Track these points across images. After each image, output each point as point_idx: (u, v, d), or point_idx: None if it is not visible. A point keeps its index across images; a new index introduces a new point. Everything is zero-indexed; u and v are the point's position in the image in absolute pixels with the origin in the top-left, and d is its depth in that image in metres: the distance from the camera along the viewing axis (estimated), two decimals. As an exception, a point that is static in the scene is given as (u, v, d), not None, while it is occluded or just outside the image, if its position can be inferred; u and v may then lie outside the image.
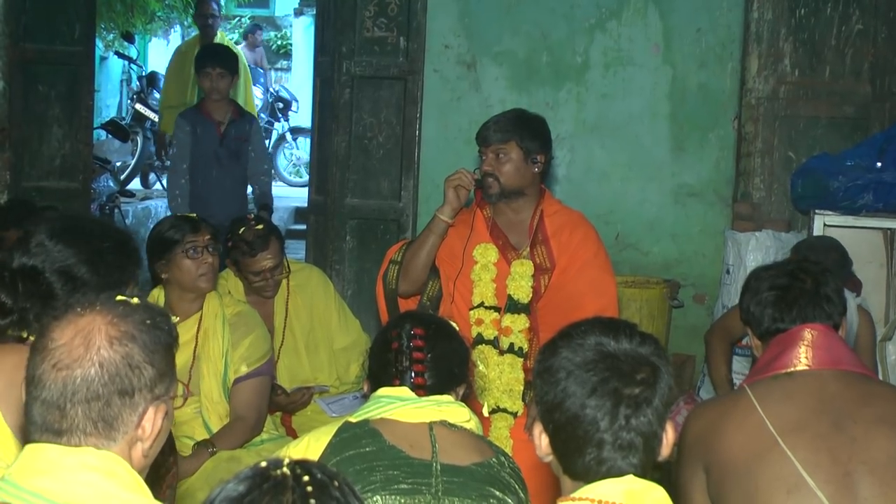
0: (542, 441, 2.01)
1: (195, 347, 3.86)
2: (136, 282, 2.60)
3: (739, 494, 2.51)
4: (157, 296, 3.93)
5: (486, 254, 3.84)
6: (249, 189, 6.38)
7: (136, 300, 1.83)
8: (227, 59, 6.26)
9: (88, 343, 1.75)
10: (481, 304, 3.83)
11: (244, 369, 3.86)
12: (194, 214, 4.10)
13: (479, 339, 3.80)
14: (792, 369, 2.62)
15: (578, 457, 1.94)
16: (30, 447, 1.76)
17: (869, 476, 2.46)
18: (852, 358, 2.68)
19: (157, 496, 1.82)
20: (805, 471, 2.46)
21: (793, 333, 2.66)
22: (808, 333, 2.65)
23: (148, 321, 1.80)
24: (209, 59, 6.24)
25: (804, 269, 2.76)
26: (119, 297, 1.82)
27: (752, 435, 2.54)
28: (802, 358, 2.62)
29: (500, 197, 3.83)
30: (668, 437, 2.00)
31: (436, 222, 3.89)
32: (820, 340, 2.64)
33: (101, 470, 1.72)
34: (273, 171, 6.70)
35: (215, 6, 8.94)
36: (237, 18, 16.49)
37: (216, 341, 3.87)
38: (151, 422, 1.79)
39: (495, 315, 3.82)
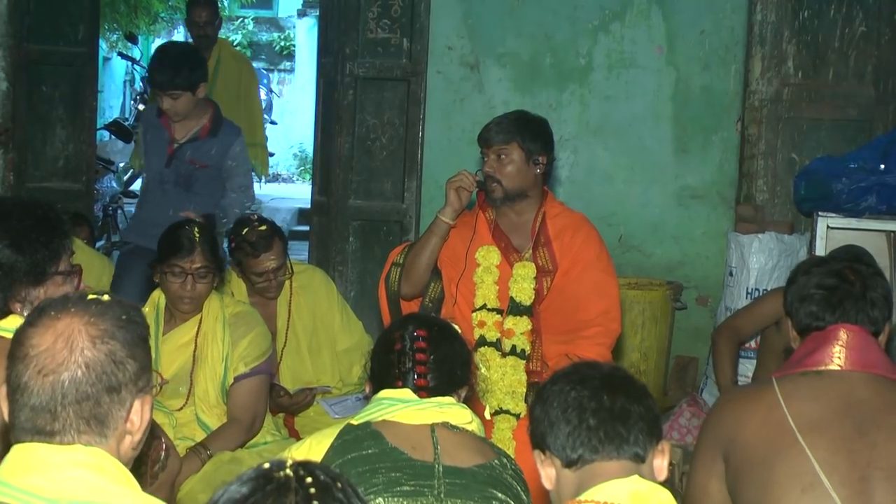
0: (546, 471, 2.06)
1: (194, 350, 3.85)
2: (70, 252, 2.58)
3: (755, 487, 2.51)
4: (157, 298, 3.92)
5: (488, 256, 3.84)
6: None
7: (106, 297, 1.84)
8: (180, 74, 4.76)
9: (71, 345, 1.76)
10: (483, 307, 3.83)
11: (242, 368, 3.84)
12: (196, 232, 3.82)
13: (482, 342, 3.80)
14: (823, 368, 2.60)
15: (574, 434, 2.01)
16: (18, 447, 1.77)
17: (885, 483, 2.45)
18: (886, 362, 2.64)
19: (143, 485, 1.84)
20: (822, 471, 2.46)
21: (829, 332, 2.64)
22: (843, 333, 2.62)
23: (124, 317, 1.82)
24: (157, 78, 4.83)
25: (855, 269, 2.71)
26: (91, 296, 1.84)
27: (774, 430, 2.53)
28: (836, 358, 2.60)
29: (503, 200, 3.83)
30: (665, 454, 2.04)
31: (437, 224, 3.90)
32: (854, 341, 2.61)
33: (89, 466, 1.74)
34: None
35: (209, 11, 6.84)
36: (240, 20, 16.50)
37: (216, 345, 3.85)
38: (139, 414, 1.81)
39: (498, 317, 3.82)
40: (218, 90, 6.62)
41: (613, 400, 2.02)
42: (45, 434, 1.75)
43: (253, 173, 7.47)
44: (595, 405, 2.02)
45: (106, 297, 1.84)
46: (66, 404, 1.75)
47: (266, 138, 7.45)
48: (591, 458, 2.00)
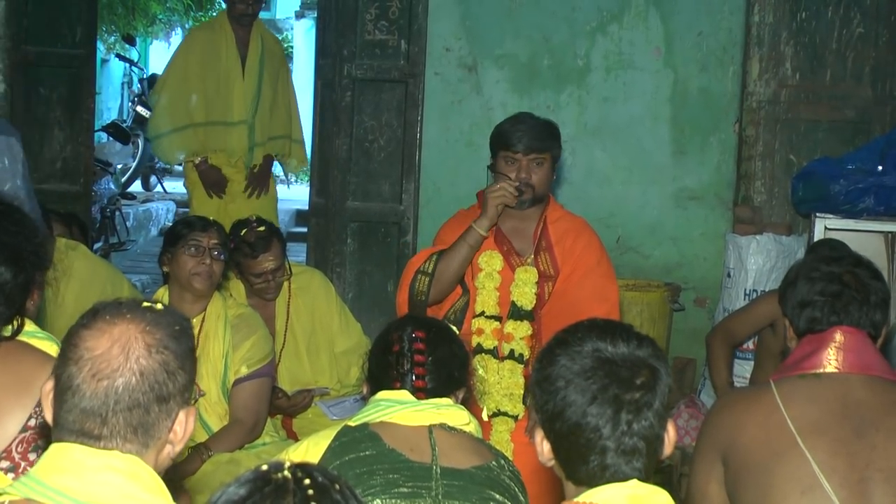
0: (543, 447, 2.01)
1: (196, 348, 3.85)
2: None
3: (754, 490, 2.52)
4: (162, 295, 3.93)
5: (491, 262, 3.81)
6: None
7: (159, 306, 1.86)
8: None
9: (127, 352, 1.77)
10: (482, 314, 3.80)
11: (245, 370, 3.87)
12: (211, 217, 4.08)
13: (479, 349, 3.76)
14: (821, 371, 2.61)
15: (582, 464, 1.94)
16: (56, 446, 1.78)
17: (884, 484, 2.46)
18: (883, 364, 2.65)
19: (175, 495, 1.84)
20: (821, 473, 2.46)
21: (826, 334, 2.64)
22: (840, 336, 2.62)
23: (177, 327, 1.84)
24: None
25: (856, 275, 2.70)
26: (144, 303, 1.85)
27: (773, 433, 2.54)
28: (832, 360, 2.61)
29: (531, 204, 3.81)
30: (670, 436, 2.00)
31: (472, 235, 3.74)
32: (851, 344, 2.62)
33: (124, 472, 1.75)
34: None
35: None
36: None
37: (217, 342, 3.87)
38: (183, 425, 1.83)
39: (496, 324, 3.79)
40: (266, 75, 6.09)
41: (630, 419, 1.91)
42: (90, 437, 1.76)
43: (282, 169, 6.72)
44: (610, 429, 1.90)
45: (159, 306, 1.86)
46: (118, 410, 1.76)
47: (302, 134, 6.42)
48: (602, 474, 1.96)
